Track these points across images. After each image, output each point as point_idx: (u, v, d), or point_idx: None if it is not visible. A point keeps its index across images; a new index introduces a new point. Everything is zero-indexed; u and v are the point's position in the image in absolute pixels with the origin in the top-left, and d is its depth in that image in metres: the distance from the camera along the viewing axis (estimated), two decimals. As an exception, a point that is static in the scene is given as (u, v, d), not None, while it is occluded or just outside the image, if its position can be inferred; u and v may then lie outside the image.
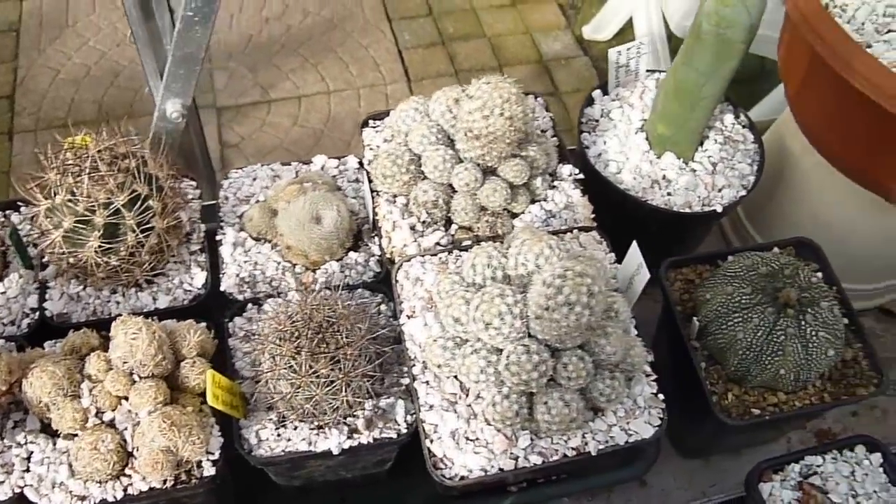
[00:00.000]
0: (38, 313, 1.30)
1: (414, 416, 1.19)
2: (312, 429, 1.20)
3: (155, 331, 1.16)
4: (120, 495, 1.12)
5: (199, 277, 1.35)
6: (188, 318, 1.26)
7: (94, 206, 1.22)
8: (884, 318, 1.76)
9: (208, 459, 1.16)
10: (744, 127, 1.58)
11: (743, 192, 1.49)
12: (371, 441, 1.20)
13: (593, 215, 1.39)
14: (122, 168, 1.25)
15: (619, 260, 1.29)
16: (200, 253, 1.39)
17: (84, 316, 1.31)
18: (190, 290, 1.34)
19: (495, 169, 1.33)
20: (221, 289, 1.34)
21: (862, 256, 1.62)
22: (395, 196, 1.37)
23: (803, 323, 1.26)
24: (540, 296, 1.05)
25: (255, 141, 2.98)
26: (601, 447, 1.15)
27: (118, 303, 1.32)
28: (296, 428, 1.20)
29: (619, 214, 1.43)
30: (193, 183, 1.48)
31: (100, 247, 1.23)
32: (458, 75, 3.29)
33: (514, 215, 1.37)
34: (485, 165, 1.32)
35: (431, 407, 1.17)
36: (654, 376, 1.22)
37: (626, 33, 3.34)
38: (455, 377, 1.17)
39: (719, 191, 1.49)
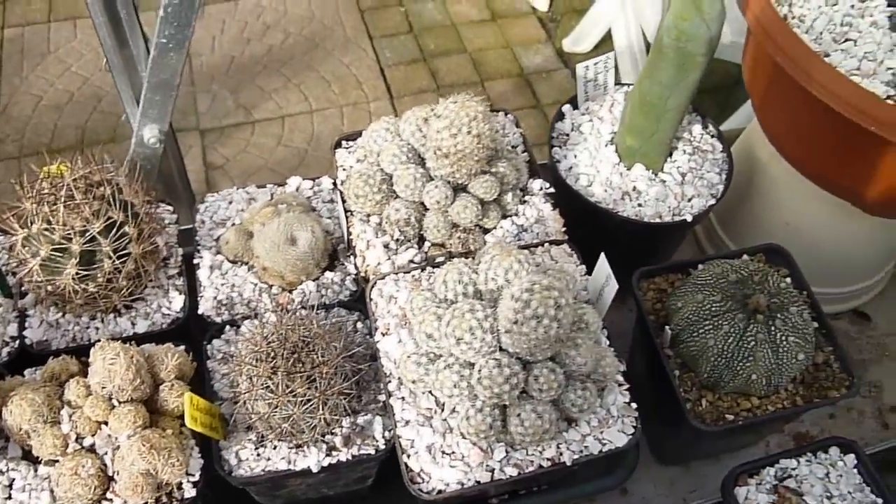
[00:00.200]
0: (17, 341, 1.31)
1: (392, 431, 1.21)
2: (291, 447, 1.21)
3: (132, 355, 1.17)
4: (101, 519, 1.13)
5: (177, 301, 1.37)
6: (167, 341, 1.27)
7: (70, 233, 1.24)
8: (858, 320, 1.79)
9: (189, 481, 1.17)
10: (712, 137, 1.60)
11: (712, 201, 1.52)
12: (350, 458, 1.21)
13: (564, 228, 1.41)
14: (98, 195, 1.27)
15: (591, 272, 1.31)
16: (178, 277, 1.40)
17: (64, 343, 1.32)
18: (168, 314, 1.36)
19: (466, 186, 1.35)
20: (199, 311, 1.36)
21: (834, 260, 1.65)
22: (368, 215, 1.39)
23: (773, 328, 1.28)
24: (509, 310, 1.07)
25: (240, 162, 3.00)
26: (576, 457, 1.17)
27: (97, 329, 1.34)
28: (275, 447, 1.21)
29: (591, 227, 1.45)
30: (170, 208, 1.49)
31: (77, 274, 1.25)
32: (440, 91, 3.32)
33: (486, 231, 1.39)
34: (455, 183, 1.34)
35: (408, 422, 1.18)
36: (627, 385, 1.24)
37: (605, 45, 3.38)
38: (430, 392, 1.19)
39: (689, 200, 1.51)
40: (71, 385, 1.19)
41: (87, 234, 1.24)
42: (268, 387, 1.15)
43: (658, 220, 1.48)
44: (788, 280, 1.42)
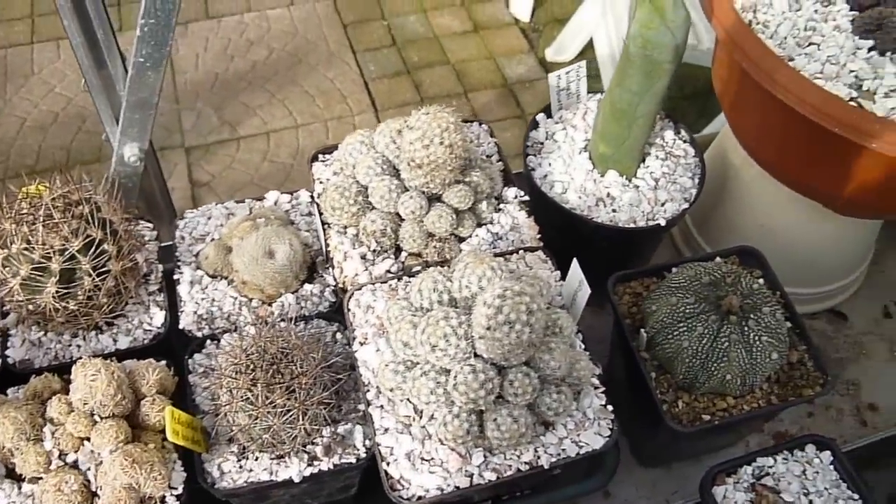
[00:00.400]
0: (0, 361, 1.33)
1: (372, 440, 1.22)
2: (273, 458, 1.23)
3: (113, 371, 1.19)
4: (85, 535, 1.14)
5: (157, 317, 1.38)
6: (149, 357, 1.29)
7: (49, 253, 1.25)
8: (835, 319, 1.81)
9: (172, 494, 1.19)
10: (684, 142, 1.63)
11: (686, 206, 1.54)
12: (331, 467, 1.23)
13: (539, 235, 1.43)
14: (76, 214, 1.29)
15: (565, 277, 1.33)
16: (159, 293, 1.42)
17: (46, 361, 1.33)
18: (150, 330, 1.37)
19: (440, 196, 1.37)
20: (180, 326, 1.37)
21: (809, 260, 1.67)
22: (345, 227, 1.41)
23: (746, 328, 1.30)
24: (482, 316, 1.09)
25: (226, 178, 3.02)
26: (553, 460, 1.19)
27: (79, 346, 1.35)
28: (257, 458, 1.23)
29: (566, 233, 1.47)
30: (150, 225, 1.51)
31: (57, 292, 1.26)
32: (425, 103, 3.33)
33: (462, 239, 1.41)
34: (429, 193, 1.36)
35: (387, 430, 1.20)
36: (603, 388, 1.25)
37: (588, 54, 3.41)
38: (408, 400, 1.20)
39: (662, 205, 1.53)
40: (53, 402, 1.20)
41: (67, 252, 1.26)
42: (248, 399, 1.17)
43: (632, 226, 1.51)
44: (761, 281, 1.44)
